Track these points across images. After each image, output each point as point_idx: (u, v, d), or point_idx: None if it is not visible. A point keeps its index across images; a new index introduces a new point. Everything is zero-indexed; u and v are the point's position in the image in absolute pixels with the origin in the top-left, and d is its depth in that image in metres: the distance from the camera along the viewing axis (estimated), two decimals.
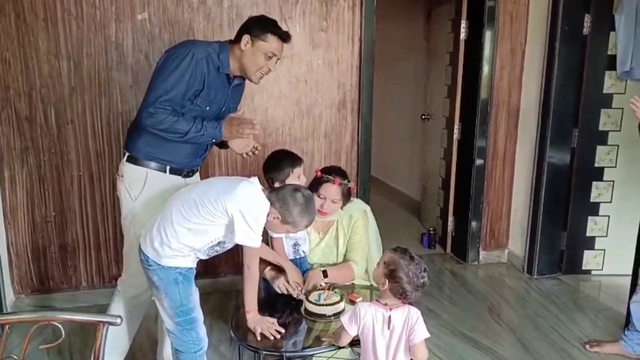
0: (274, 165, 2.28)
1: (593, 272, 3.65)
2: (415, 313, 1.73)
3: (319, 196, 2.35)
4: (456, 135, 3.93)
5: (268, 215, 1.91)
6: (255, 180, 1.96)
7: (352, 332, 1.76)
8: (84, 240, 3.10)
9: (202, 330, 2.04)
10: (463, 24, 3.75)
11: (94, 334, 1.56)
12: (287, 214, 1.92)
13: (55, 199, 3.01)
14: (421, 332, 1.71)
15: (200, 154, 2.25)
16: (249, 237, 1.85)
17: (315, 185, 2.38)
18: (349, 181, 2.42)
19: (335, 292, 2.12)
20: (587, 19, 3.29)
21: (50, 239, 3.06)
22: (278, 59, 2.18)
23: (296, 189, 1.97)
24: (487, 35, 3.54)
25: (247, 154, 2.25)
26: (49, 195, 3.00)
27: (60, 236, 3.07)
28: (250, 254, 1.94)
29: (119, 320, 1.71)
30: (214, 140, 2.17)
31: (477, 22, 3.60)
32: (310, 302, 2.08)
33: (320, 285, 2.22)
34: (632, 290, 2.65)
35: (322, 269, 2.33)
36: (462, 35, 3.77)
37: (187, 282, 1.96)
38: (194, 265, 2.00)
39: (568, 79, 3.36)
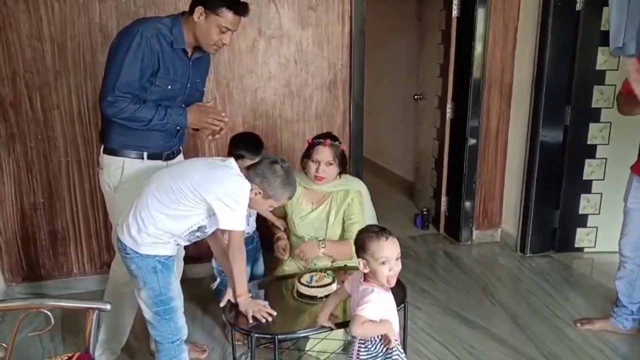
0: (233, 143, 2.43)
1: (585, 250, 3.66)
2: (368, 291, 1.70)
3: (312, 161, 2.37)
4: (449, 114, 3.90)
5: (250, 192, 1.87)
6: (231, 162, 1.92)
7: (348, 288, 1.82)
8: (74, 226, 3.07)
9: (182, 320, 2.01)
10: (455, 1, 3.68)
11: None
12: (268, 187, 1.90)
13: (43, 185, 2.97)
14: (367, 310, 1.66)
15: (175, 134, 2.21)
16: (232, 222, 1.83)
17: (307, 152, 2.41)
18: (340, 143, 2.43)
19: (327, 274, 2.12)
20: None
21: (40, 226, 3.03)
22: (233, 32, 2.10)
23: (273, 161, 1.94)
24: (480, 12, 3.49)
25: (212, 135, 2.16)
26: (37, 182, 2.96)
27: (49, 223, 3.03)
28: (235, 237, 1.89)
29: (108, 307, 1.70)
30: (179, 127, 2.14)
31: None
32: (302, 284, 2.07)
33: (319, 255, 2.24)
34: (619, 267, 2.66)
35: (321, 239, 2.33)
36: (454, 12, 3.71)
37: (167, 270, 1.92)
38: (174, 252, 1.96)
39: (561, 55, 3.32)
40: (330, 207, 2.44)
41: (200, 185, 1.81)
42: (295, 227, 2.46)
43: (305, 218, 2.44)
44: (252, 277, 2.59)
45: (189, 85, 2.15)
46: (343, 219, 2.44)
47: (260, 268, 2.74)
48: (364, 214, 2.48)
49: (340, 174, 2.46)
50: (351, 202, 2.43)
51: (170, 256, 1.94)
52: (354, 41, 3.26)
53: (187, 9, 2.06)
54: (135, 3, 2.86)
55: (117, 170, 2.11)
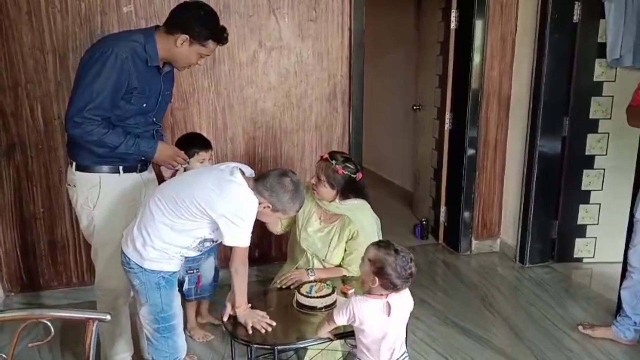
0: (185, 143, 2.41)
1: (584, 260, 3.66)
2: (408, 295, 1.79)
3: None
4: (447, 125, 3.92)
5: (258, 205, 1.86)
6: (238, 175, 1.86)
7: (340, 321, 1.77)
8: (74, 236, 3.07)
9: (181, 339, 1.99)
10: (453, 13, 3.72)
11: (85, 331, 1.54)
12: (277, 202, 1.88)
13: (43, 195, 2.98)
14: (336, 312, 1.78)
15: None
16: (238, 239, 1.82)
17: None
18: (336, 163, 2.24)
19: (327, 285, 2.12)
20: (577, 6, 3.28)
21: (39, 236, 3.03)
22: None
23: (283, 173, 1.91)
24: (478, 24, 3.52)
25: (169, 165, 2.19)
26: (37, 192, 2.97)
27: (49, 233, 3.03)
28: (239, 252, 1.88)
29: (108, 317, 1.69)
30: (142, 158, 2.09)
31: (468, 11, 3.58)
32: (301, 294, 2.07)
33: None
34: (623, 277, 2.67)
35: (309, 268, 2.31)
36: (453, 24, 3.74)
37: (170, 287, 1.90)
38: (178, 268, 1.95)
39: (558, 67, 3.35)
40: (335, 231, 2.35)
41: (206, 201, 1.78)
42: (300, 239, 2.40)
43: (312, 234, 2.38)
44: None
45: (160, 98, 2.13)
46: (345, 248, 2.35)
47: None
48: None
49: (340, 198, 2.31)
50: (355, 235, 2.31)
51: (174, 272, 1.92)
52: (353, 52, 3.28)
53: None
54: (137, 14, 2.89)
55: (93, 187, 2.06)
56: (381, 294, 1.73)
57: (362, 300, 1.74)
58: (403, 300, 1.77)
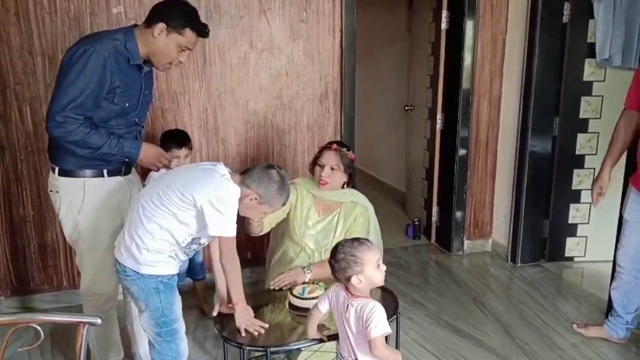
0: (164, 138, 2.64)
1: (575, 259, 3.69)
2: (370, 307, 1.65)
3: (319, 165, 2.37)
4: (439, 125, 3.93)
5: (245, 197, 1.85)
6: (221, 166, 1.89)
7: (322, 308, 1.77)
8: (64, 239, 3.00)
9: (183, 343, 1.97)
10: (444, 14, 3.73)
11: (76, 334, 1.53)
12: (265, 192, 1.87)
13: (33, 198, 2.95)
14: (376, 328, 1.62)
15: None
16: (224, 227, 1.79)
17: (315, 157, 2.42)
18: (349, 150, 2.42)
19: (320, 286, 2.11)
20: (567, 6, 3.30)
21: (29, 239, 3.00)
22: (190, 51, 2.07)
23: (268, 166, 1.91)
24: (469, 24, 3.53)
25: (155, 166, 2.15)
26: (27, 195, 2.94)
27: (39, 236, 3.00)
28: (226, 243, 1.85)
29: (99, 321, 1.68)
30: (126, 159, 2.05)
31: (458, 11, 3.59)
32: (294, 296, 2.06)
33: (304, 281, 2.21)
34: (613, 277, 2.68)
35: (305, 265, 2.31)
36: (444, 24, 3.76)
37: (170, 290, 1.88)
38: (177, 271, 1.92)
39: (548, 67, 3.37)
40: (339, 218, 2.40)
41: (188, 187, 1.77)
42: (298, 236, 2.40)
43: (311, 228, 2.40)
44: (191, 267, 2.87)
45: (140, 98, 2.10)
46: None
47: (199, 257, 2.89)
48: (370, 235, 2.41)
49: (347, 184, 2.43)
50: (357, 217, 2.39)
51: (173, 275, 1.89)
52: (345, 53, 3.28)
53: None
54: (127, 15, 2.87)
55: (77, 192, 2.02)
56: (352, 294, 1.71)
57: (339, 286, 1.74)
58: (359, 315, 1.67)
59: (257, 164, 2.02)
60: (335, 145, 2.39)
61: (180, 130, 2.85)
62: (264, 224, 2.32)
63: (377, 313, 1.64)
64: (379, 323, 1.63)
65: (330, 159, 2.35)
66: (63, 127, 1.86)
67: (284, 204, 2.00)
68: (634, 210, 2.46)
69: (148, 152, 2.06)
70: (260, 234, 2.35)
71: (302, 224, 2.40)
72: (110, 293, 2.17)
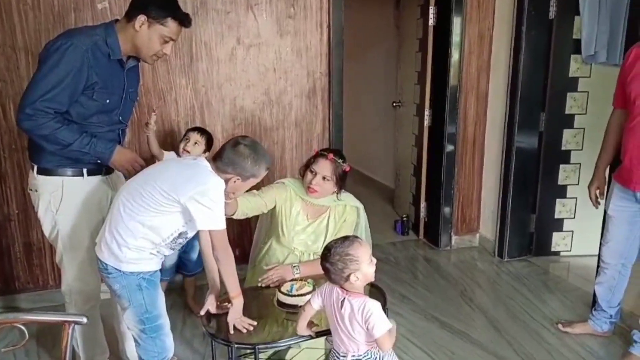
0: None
1: (562, 254, 3.72)
2: (371, 306, 1.65)
3: (310, 172, 2.33)
4: (427, 122, 3.94)
5: (228, 182, 1.84)
6: (202, 159, 1.87)
7: (315, 305, 1.77)
8: None
9: (168, 339, 1.96)
10: (431, 10, 3.74)
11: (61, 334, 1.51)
12: (243, 170, 1.86)
13: (17, 196, 2.91)
14: (380, 326, 1.64)
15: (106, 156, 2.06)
16: (213, 221, 1.77)
17: (309, 162, 2.37)
18: (344, 162, 2.36)
19: (308, 283, 2.10)
20: (553, 2, 3.32)
21: (14, 238, 2.96)
22: (174, 42, 2.03)
23: (235, 143, 1.88)
24: (456, 21, 3.54)
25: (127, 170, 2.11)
26: (11, 193, 2.90)
27: (24, 235, 2.97)
28: (217, 237, 1.83)
29: (84, 320, 1.66)
30: (99, 160, 2.01)
31: (446, 7, 3.60)
32: (282, 293, 2.06)
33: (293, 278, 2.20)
34: (598, 272, 2.71)
35: (295, 264, 2.29)
36: (431, 21, 3.76)
37: (152, 287, 1.87)
38: (158, 267, 1.91)
39: (535, 63, 3.39)
40: (329, 222, 2.37)
41: (172, 186, 1.75)
42: (286, 239, 2.37)
43: (300, 232, 2.37)
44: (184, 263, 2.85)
45: (124, 96, 2.06)
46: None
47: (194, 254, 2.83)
48: (361, 233, 2.41)
49: (337, 193, 2.38)
50: (344, 220, 2.37)
51: (155, 272, 1.88)
52: (333, 49, 3.28)
53: None
54: (112, 11, 2.84)
55: (56, 192, 1.99)
56: (346, 291, 1.71)
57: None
58: (360, 314, 1.68)
59: (224, 144, 1.93)
60: (331, 155, 2.33)
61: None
62: (239, 208, 2.25)
63: (375, 313, 1.65)
64: (380, 322, 1.64)
65: (324, 168, 2.30)
66: (32, 120, 1.82)
67: (267, 169, 1.95)
68: (617, 206, 2.47)
69: (122, 155, 2.02)
70: (235, 217, 2.28)
71: (291, 229, 2.37)
72: (92, 292, 2.15)
